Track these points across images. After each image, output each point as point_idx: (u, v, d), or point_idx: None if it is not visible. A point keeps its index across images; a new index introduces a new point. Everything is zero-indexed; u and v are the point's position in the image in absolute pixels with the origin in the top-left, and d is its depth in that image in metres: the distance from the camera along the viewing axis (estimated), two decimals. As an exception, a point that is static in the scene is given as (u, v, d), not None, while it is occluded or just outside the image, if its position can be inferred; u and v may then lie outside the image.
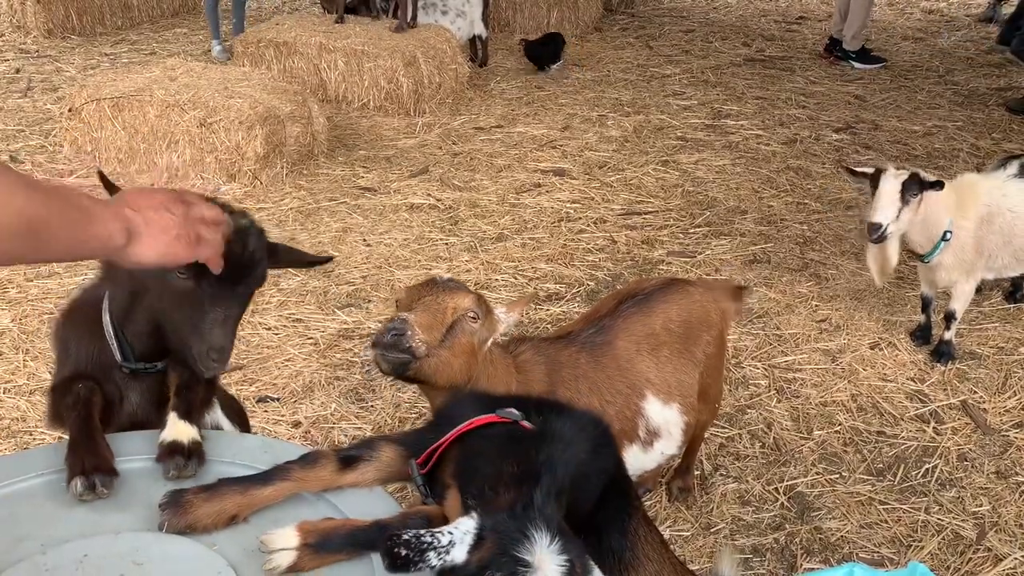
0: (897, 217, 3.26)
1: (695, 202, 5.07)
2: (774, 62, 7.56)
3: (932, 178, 3.28)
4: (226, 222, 1.44)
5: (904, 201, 3.24)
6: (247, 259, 1.52)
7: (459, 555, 1.17)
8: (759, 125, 6.16)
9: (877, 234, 3.27)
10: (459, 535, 1.18)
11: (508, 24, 8.35)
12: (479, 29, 7.21)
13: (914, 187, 3.24)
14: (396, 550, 1.14)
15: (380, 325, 1.83)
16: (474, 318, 1.95)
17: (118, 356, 1.63)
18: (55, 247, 1.18)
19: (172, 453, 1.44)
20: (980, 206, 3.39)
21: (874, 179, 3.31)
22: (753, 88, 6.89)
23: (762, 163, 5.57)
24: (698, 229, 4.77)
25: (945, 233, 3.40)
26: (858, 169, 3.43)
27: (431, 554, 1.15)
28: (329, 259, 1.90)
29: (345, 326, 3.86)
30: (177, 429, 1.48)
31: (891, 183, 3.25)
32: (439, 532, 1.17)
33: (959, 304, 3.62)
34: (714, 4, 9.30)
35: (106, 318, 1.64)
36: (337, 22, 6.61)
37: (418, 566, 1.14)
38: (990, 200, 3.44)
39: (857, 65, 7.25)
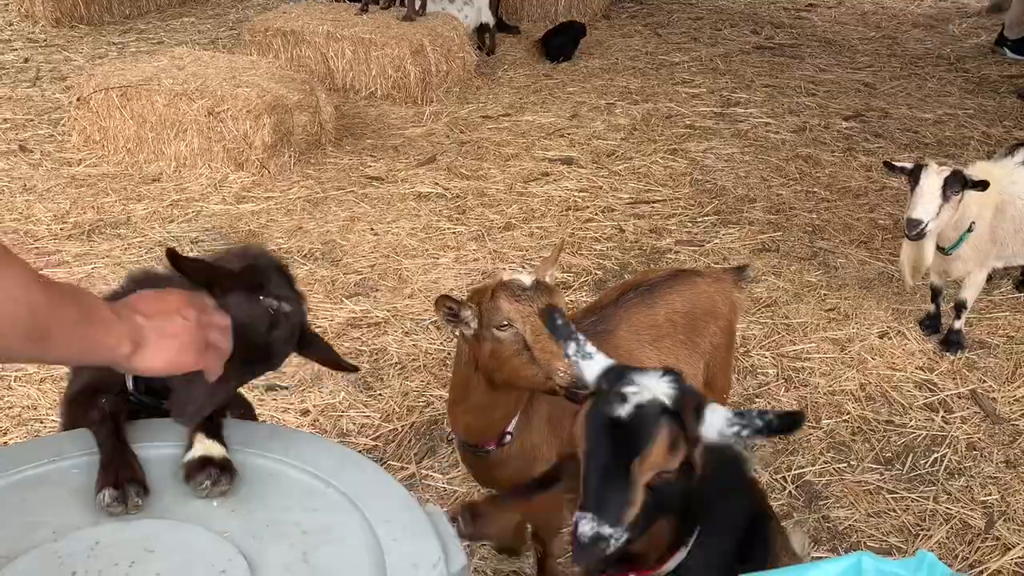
0: (937, 214, 3.18)
1: (703, 191, 5.05)
2: (783, 50, 7.51)
3: (977, 177, 3.20)
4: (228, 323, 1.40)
5: (945, 198, 3.17)
6: (266, 348, 1.51)
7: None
8: (768, 113, 6.13)
9: (917, 230, 3.20)
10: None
11: (516, 12, 8.31)
12: (487, 17, 7.18)
13: (957, 184, 3.17)
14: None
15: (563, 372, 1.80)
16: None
17: (129, 384, 1.62)
18: (58, 352, 1.15)
19: (204, 466, 1.40)
20: (994, 194, 3.36)
21: (914, 174, 3.24)
22: (762, 76, 6.86)
23: (771, 151, 5.54)
24: (706, 218, 4.76)
25: (971, 224, 3.36)
26: (897, 164, 3.37)
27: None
28: (356, 369, 1.84)
29: (353, 315, 3.87)
30: (206, 446, 1.44)
31: (933, 179, 3.17)
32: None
33: (970, 293, 3.60)
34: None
35: None
36: (360, 12, 6.58)
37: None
38: (1001, 188, 3.40)
39: (1010, 54, 7.14)
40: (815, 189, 5.06)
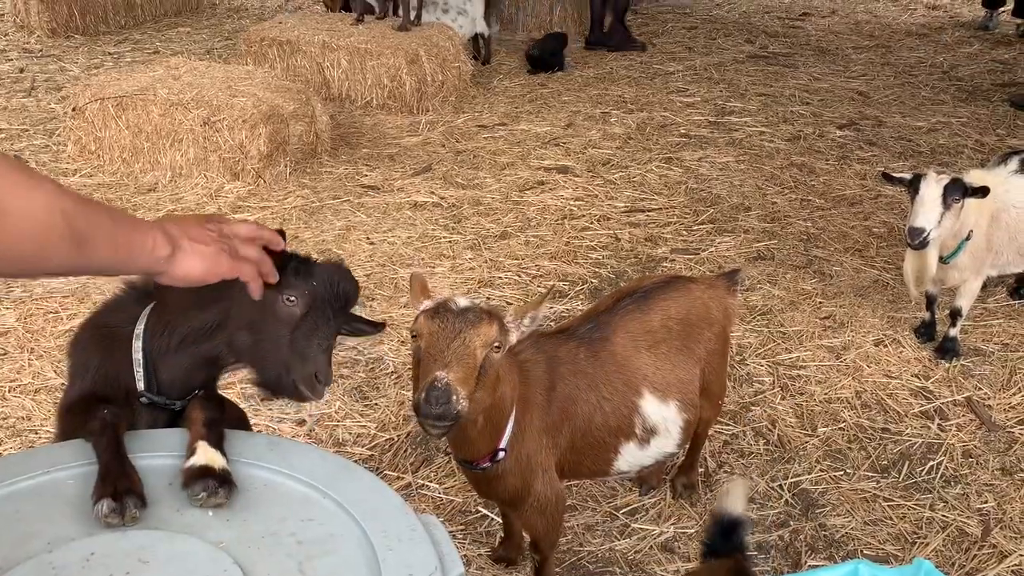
0: (939, 222, 3.19)
1: (699, 199, 5.07)
2: (777, 59, 7.55)
3: (977, 184, 3.21)
4: (262, 237, 1.45)
5: (946, 206, 3.18)
6: (346, 291, 1.64)
7: None
8: (763, 122, 6.15)
9: (919, 239, 3.19)
10: None
11: (511, 21, 8.34)
12: (481, 27, 7.21)
13: (957, 192, 3.18)
14: None
15: (420, 392, 1.74)
16: (498, 347, 1.88)
17: (141, 385, 1.62)
18: (100, 255, 1.17)
19: (203, 476, 1.40)
20: (989, 203, 3.37)
21: (913, 184, 3.24)
22: (756, 85, 6.88)
23: (766, 160, 5.56)
24: (702, 226, 4.77)
25: (969, 233, 3.38)
26: (896, 175, 3.36)
27: None
28: (383, 326, 1.94)
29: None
30: (208, 455, 1.44)
31: (933, 187, 3.18)
32: None
33: (965, 301, 3.61)
34: (717, 1, 9.29)
35: (137, 344, 1.62)
36: (356, 22, 6.59)
37: None
38: (996, 196, 3.41)
39: None
40: (810, 197, 5.08)
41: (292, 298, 1.57)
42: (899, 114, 6.29)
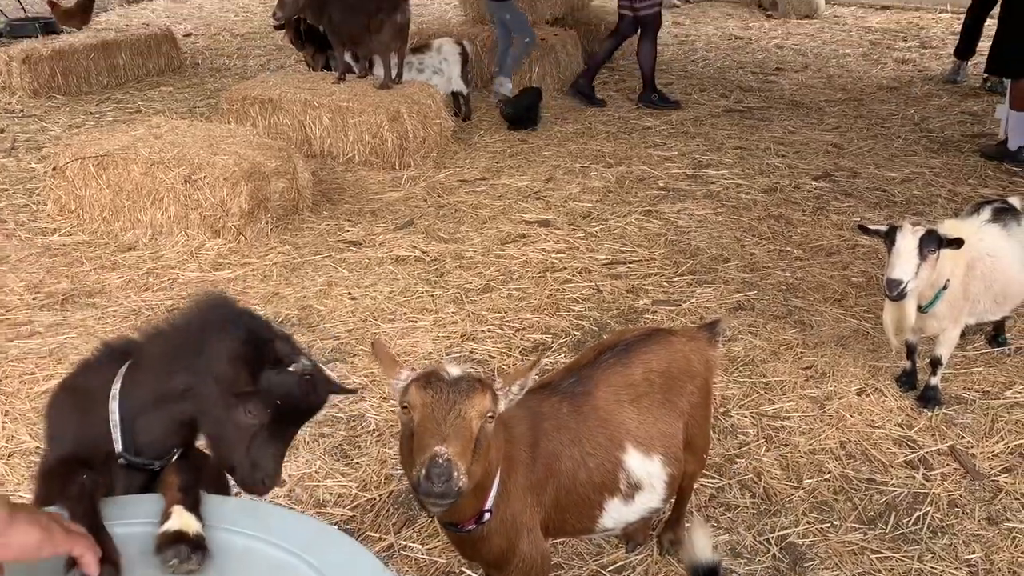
0: (916, 273, 3.22)
1: (678, 251, 5.10)
2: (752, 113, 7.69)
3: (952, 235, 3.26)
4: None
5: (923, 257, 3.22)
6: (311, 403, 1.65)
7: None
8: (739, 174, 6.24)
9: (897, 291, 3.23)
10: None
11: (492, 78, 8.46)
12: (458, 86, 7.31)
13: (932, 243, 3.22)
14: None
15: (420, 468, 1.68)
16: (491, 417, 1.85)
17: (119, 446, 1.60)
18: None
19: (176, 541, 1.38)
20: (965, 252, 3.41)
21: (889, 236, 3.28)
22: (732, 138, 7.00)
23: (743, 212, 5.63)
24: (682, 277, 4.79)
25: (946, 282, 3.41)
26: (872, 226, 3.40)
27: None
28: (354, 391, 1.99)
29: (330, 381, 3.83)
30: (183, 520, 1.42)
31: (909, 239, 3.22)
32: None
33: (945, 350, 3.63)
34: (692, 57, 9.48)
35: (113, 405, 1.61)
36: (337, 81, 6.67)
37: None
38: (971, 245, 3.46)
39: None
40: (788, 248, 5.13)
41: (252, 412, 1.57)
42: (873, 165, 6.40)
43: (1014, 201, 3.87)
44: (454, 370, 1.87)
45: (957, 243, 3.24)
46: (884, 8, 11.80)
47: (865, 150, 6.73)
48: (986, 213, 3.72)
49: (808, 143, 6.88)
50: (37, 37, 8.38)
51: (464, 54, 7.35)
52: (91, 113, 7.61)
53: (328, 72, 7.12)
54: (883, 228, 3.35)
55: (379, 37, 6.34)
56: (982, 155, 6.52)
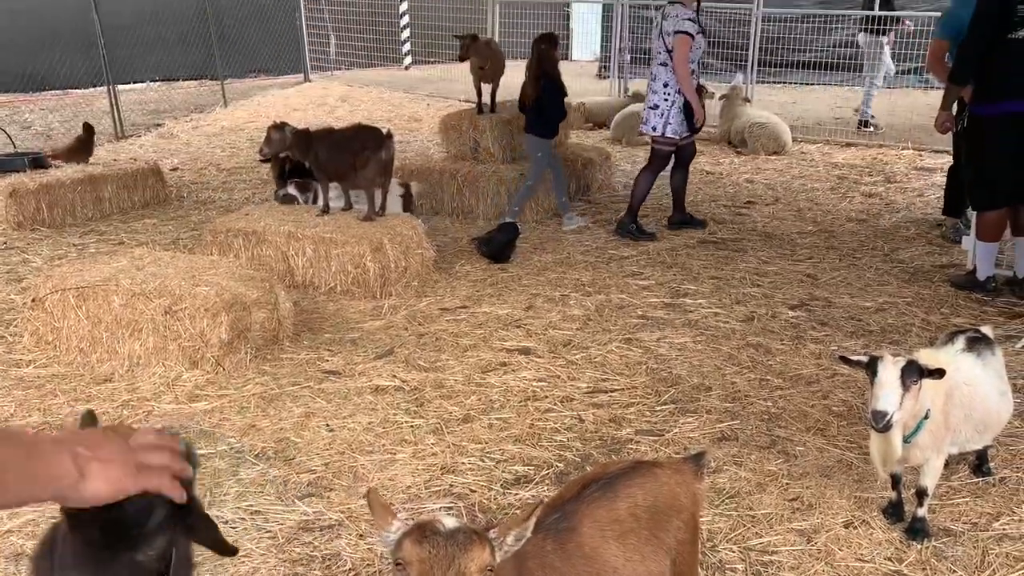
0: (900, 404, 3.23)
1: (660, 379, 5.11)
2: (726, 244, 7.88)
3: (932, 366, 3.29)
4: (175, 442, 1.44)
5: (905, 388, 3.23)
6: (124, 526, 1.40)
7: None
8: (717, 303, 6.33)
9: (883, 422, 3.22)
10: None
11: (471, 211, 8.68)
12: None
13: (914, 374, 3.24)
14: None
15: None
16: (491, 571, 1.77)
17: None
18: (14, 488, 1.21)
19: None
20: (944, 381, 3.43)
21: (870, 367, 3.30)
22: (708, 268, 7.14)
23: (722, 340, 5.68)
24: (664, 407, 4.78)
25: (927, 411, 3.42)
26: (853, 358, 3.42)
27: None
28: (235, 551, 1.69)
29: (305, 517, 3.72)
30: None
31: (890, 370, 3.24)
32: None
33: (930, 480, 3.60)
34: (666, 191, 9.79)
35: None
36: (321, 214, 6.81)
37: None
38: (947, 375, 3.49)
39: None
40: (768, 377, 5.15)
41: (151, 553, 1.43)
42: (847, 295, 6.52)
43: (987, 330, 3.94)
44: (449, 521, 1.79)
45: (939, 373, 3.27)
46: (849, 145, 12.32)
47: (838, 280, 6.88)
48: (960, 342, 3.78)
49: (782, 273, 7.03)
50: (25, 171, 8.52)
51: (407, 195, 7.65)
52: (74, 244, 7.67)
53: (312, 205, 7.26)
54: (864, 359, 3.37)
55: (364, 173, 6.52)
56: (952, 285, 6.67)
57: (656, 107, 7.74)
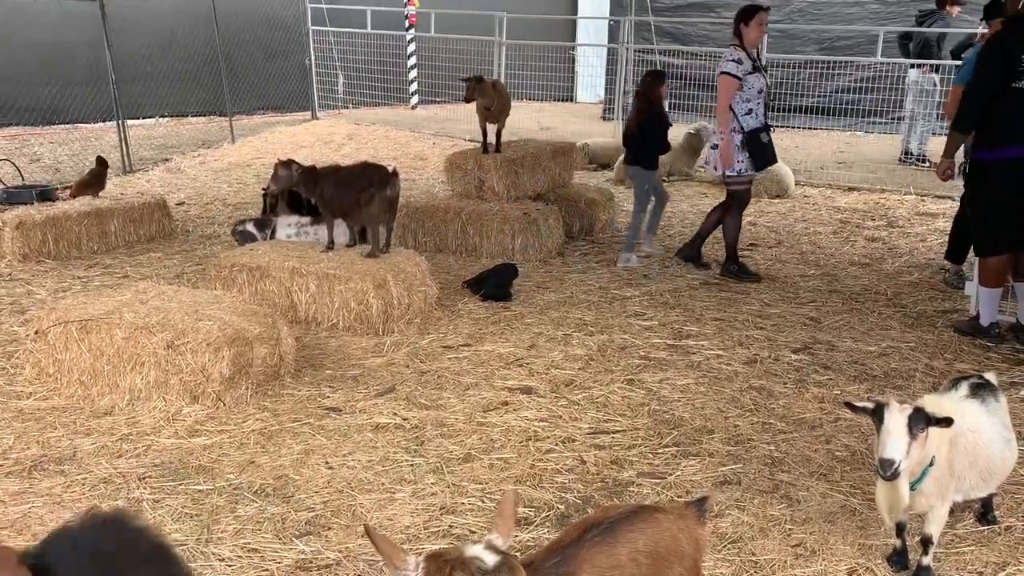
0: (908, 452, 3.20)
1: (662, 421, 5.08)
2: (729, 286, 7.88)
3: (939, 414, 3.26)
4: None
5: (912, 436, 3.20)
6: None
7: None
8: (719, 345, 6.31)
9: (891, 470, 3.18)
10: None
11: (475, 250, 8.71)
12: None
13: (921, 422, 3.22)
14: None
15: None
16: None
17: None
18: None
19: None
20: (948, 429, 3.40)
21: (876, 413, 3.27)
22: (711, 310, 7.14)
23: (725, 383, 5.65)
24: (667, 449, 4.74)
25: (932, 458, 3.39)
26: (859, 404, 3.39)
27: None
28: None
29: (303, 556, 3.68)
30: None
31: (897, 417, 3.21)
32: None
33: (935, 528, 3.56)
34: (669, 232, 9.82)
35: None
36: (326, 250, 6.83)
37: None
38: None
39: None
40: (771, 420, 5.12)
41: None
42: (850, 339, 6.51)
43: (990, 377, 3.92)
44: (489, 557, 1.74)
45: (946, 422, 3.24)
46: (851, 189, 12.39)
47: (841, 324, 6.87)
48: (963, 388, 3.76)
49: (785, 316, 7.02)
50: (32, 204, 8.59)
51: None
52: (78, 277, 7.69)
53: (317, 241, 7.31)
54: (869, 406, 3.34)
55: (368, 210, 6.56)
56: (955, 331, 6.66)
57: (716, 147, 7.89)
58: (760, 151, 7.74)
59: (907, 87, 13.52)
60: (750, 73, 7.59)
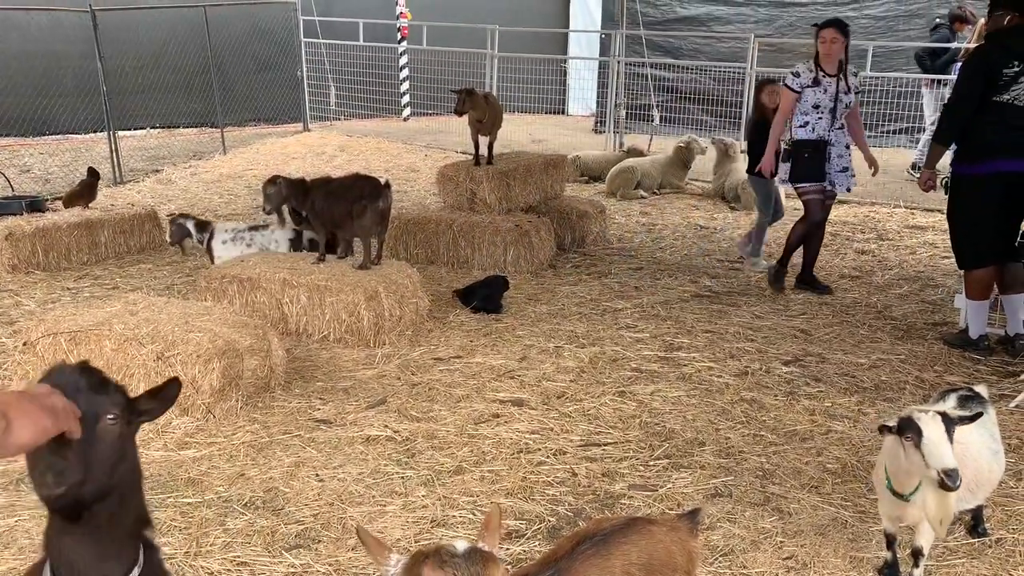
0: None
1: (653, 433, 5.08)
2: (720, 298, 7.90)
3: (962, 413, 3.23)
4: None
5: (952, 440, 3.14)
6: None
7: None
8: (710, 357, 6.32)
9: (958, 480, 3.07)
10: None
11: (467, 262, 8.71)
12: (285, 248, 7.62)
13: (952, 425, 3.17)
14: None
15: None
16: None
17: None
18: None
19: None
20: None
21: (909, 428, 3.17)
22: (702, 322, 7.15)
23: (716, 395, 5.66)
24: (658, 461, 4.74)
25: None
26: (887, 423, 3.32)
27: None
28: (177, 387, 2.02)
29: (292, 570, 3.65)
30: None
31: (937, 426, 3.13)
32: None
33: (926, 540, 3.56)
34: (660, 244, 9.85)
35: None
36: (317, 261, 6.81)
37: None
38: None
39: None
40: (762, 432, 5.12)
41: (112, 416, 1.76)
42: (841, 351, 6.53)
43: (980, 389, 3.94)
44: (460, 544, 1.81)
45: (970, 418, 3.21)
46: (841, 202, 12.44)
47: (832, 336, 6.89)
48: (951, 400, 3.77)
49: (776, 328, 7.04)
50: (22, 214, 8.55)
51: (296, 239, 7.61)
52: (68, 288, 7.66)
53: (308, 252, 7.29)
54: (892, 423, 3.30)
55: (360, 222, 6.55)
56: (945, 343, 6.69)
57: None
58: (802, 163, 7.73)
59: (923, 103, 13.66)
60: (808, 87, 7.67)
